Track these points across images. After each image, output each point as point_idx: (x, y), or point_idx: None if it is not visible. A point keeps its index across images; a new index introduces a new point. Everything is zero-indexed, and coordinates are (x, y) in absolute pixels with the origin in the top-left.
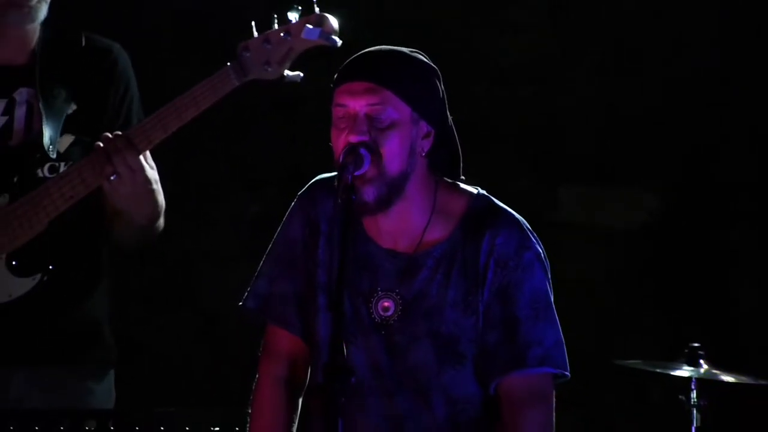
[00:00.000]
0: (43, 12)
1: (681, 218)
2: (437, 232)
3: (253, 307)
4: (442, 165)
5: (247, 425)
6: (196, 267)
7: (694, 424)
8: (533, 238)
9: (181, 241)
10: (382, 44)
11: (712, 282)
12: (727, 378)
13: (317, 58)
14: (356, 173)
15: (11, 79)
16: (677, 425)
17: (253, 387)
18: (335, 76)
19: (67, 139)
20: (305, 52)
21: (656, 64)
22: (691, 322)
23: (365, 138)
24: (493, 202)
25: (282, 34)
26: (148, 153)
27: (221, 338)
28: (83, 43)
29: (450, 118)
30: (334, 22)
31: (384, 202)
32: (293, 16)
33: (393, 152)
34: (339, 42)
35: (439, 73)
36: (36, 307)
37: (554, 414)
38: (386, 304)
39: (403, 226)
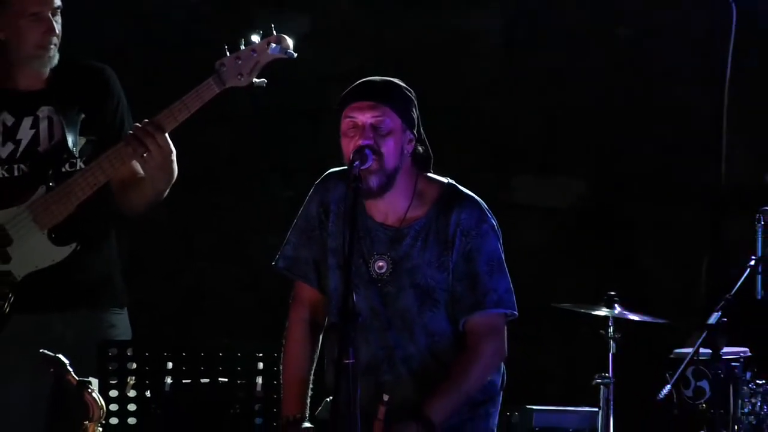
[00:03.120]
0: (56, 57)
1: (600, 199)
2: (417, 211)
3: (282, 266)
4: (418, 162)
5: (282, 353)
6: (244, 234)
7: (611, 351)
8: (489, 215)
9: (233, 215)
10: (376, 75)
11: (623, 245)
12: (634, 317)
13: (336, 83)
14: (362, 168)
15: (34, 101)
16: (599, 353)
17: (286, 326)
18: (342, 98)
19: (81, 140)
20: (269, 64)
21: (580, 84)
22: (608, 275)
23: (370, 141)
24: (459, 188)
25: (250, 52)
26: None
27: (263, 288)
28: (81, 67)
29: (421, 127)
30: (289, 40)
31: (384, 188)
32: (256, 39)
33: (390, 152)
34: (294, 55)
35: (415, 96)
36: (71, 267)
37: (506, 343)
38: (381, 263)
39: (392, 206)
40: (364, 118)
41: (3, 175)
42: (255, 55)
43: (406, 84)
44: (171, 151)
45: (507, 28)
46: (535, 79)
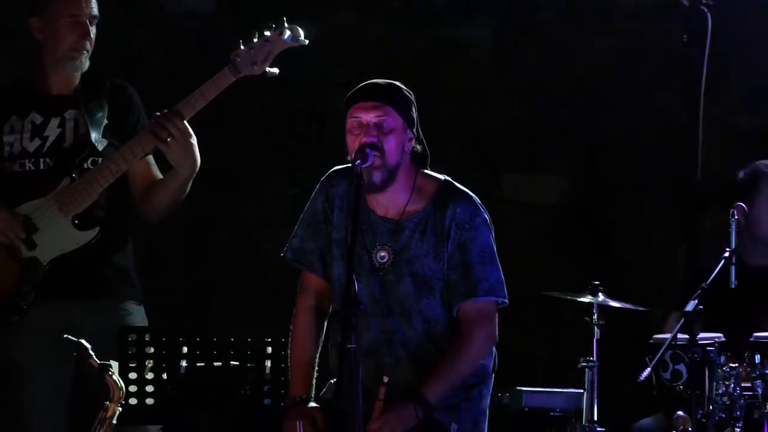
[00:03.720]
0: (87, 64)
1: (583, 194)
2: (416, 205)
3: (290, 257)
4: (417, 159)
5: (289, 339)
6: (254, 229)
7: (595, 337)
8: (482, 209)
9: (244, 210)
10: (378, 77)
11: (605, 237)
12: (616, 304)
13: (340, 89)
14: (363, 165)
15: (63, 104)
16: (584, 338)
17: (293, 313)
18: (347, 99)
19: (104, 143)
20: (281, 53)
21: (563, 90)
22: (591, 265)
23: (374, 139)
24: (455, 184)
25: (263, 42)
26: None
27: (271, 278)
28: (108, 83)
29: (419, 128)
30: (300, 29)
31: (386, 183)
32: (268, 32)
33: (392, 149)
34: (306, 42)
35: (414, 97)
36: (91, 253)
37: (497, 328)
38: (382, 254)
39: (393, 200)
40: (369, 117)
41: (30, 168)
42: (268, 44)
43: (405, 87)
44: (191, 135)
45: (495, 39)
46: (522, 85)
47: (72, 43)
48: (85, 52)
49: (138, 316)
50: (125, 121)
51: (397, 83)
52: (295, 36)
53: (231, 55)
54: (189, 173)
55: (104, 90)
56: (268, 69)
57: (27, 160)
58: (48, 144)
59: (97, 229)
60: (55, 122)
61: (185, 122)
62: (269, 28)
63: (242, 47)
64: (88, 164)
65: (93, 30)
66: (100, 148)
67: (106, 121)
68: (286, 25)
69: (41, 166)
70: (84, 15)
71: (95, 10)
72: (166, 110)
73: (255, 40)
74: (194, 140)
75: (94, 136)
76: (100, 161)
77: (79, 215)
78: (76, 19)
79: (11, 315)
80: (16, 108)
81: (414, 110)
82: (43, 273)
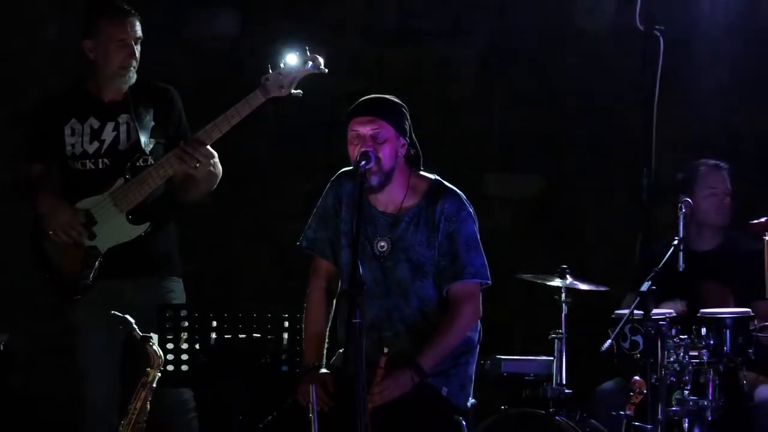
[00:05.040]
0: (134, 77)
1: (555, 191)
2: (410, 201)
3: (305, 246)
4: (411, 161)
5: (303, 314)
6: (272, 220)
7: (564, 313)
8: (468, 204)
9: (265, 204)
10: (377, 92)
11: (573, 228)
12: (582, 285)
13: (345, 101)
14: (366, 167)
15: (116, 109)
16: (554, 314)
17: (307, 293)
18: (347, 114)
19: (151, 142)
20: (304, 78)
21: (539, 101)
22: (561, 252)
23: (370, 149)
24: (444, 183)
25: (289, 68)
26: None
27: (288, 263)
28: (152, 87)
29: (413, 134)
30: (320, 58)
31: (383, 185)
32: (294, 57)
33: (386, 156)
34: (326, 70)
35: (407, 109)
36: (142, 242)
37: (481, 306)
38: (382, 243)
39: (391, 198)
40: (365, 130)
41: (90, 167)
42: (293, 71)
43: (400, 100)
44: (213, 156)
45: (481, 56)
46: (504, 97)
47: (120, 62)
48: (131, 69)
49: (177, 292)
50: (169, 120)
51: (391, 97)
52: (315, 65)
53: (261, 78)
54: (211, 186)
55: (149, 94)
56: (293, 91)
57: (87, 161)
58: (105, 146)
59: (148, 224)
60: (110, 126)
61: (207, 147)
62: (295, 56)
63: (271, 72)
64: (139, 163)
65: (138, 48)
66: (149, 148)
67: (153, 123)
68: (308, 54)
69: (99, 166)
70: (130, 38)
71: (139, 32)
72: (192, 137)
73: (282, 66)
74: (216, 159)
75: (143, 139)
76: (150, 160)
77: (132, 211)
78: (123, 42)
79: (75, 293)
80: (76, 112)
81: (407, 120)
82: (101, 258)
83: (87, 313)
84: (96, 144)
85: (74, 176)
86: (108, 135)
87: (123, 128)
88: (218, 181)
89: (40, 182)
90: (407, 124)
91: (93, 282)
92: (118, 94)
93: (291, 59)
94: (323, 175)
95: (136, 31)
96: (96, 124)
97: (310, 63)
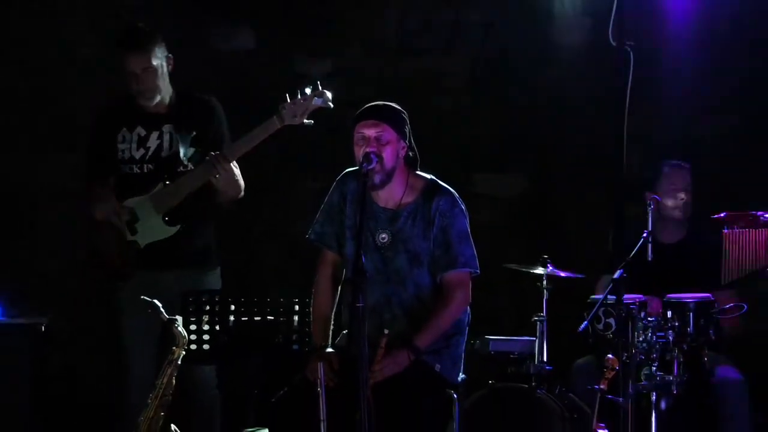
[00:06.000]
0: (163, 89)
1: (538, 190)
2: (409, 198)
3: (313, 238)
4: (409, 162)
5: (312, 299)
6: (286, 216)
7: (545, 298)
8: (460, 201)
9: (278, 201)
10: (379, 100)
11: (553, 222)
12: (562, 274)
13: (349, 108)
14: (369, 167)
15: (160, 120)
16: (536, 299)
17: (315, 280)
18: (353, 118)
19: (191, 150)
20: (315, 110)
21: (523, 109)
22: (542, 244)
23: (374, 150)
24: (438, 182)
25: (302, 100)
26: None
27: (298, 253)
28: (195, 97)
29: (411, 138)
30: (328, 94)
31: (384, 183)
32: (308, 90)
33: (388, 157)
34: (332, 105)
35: (407, 115)
36: (178, 239)
37: (470, 292)
38: (383, 235)
39: (391, 195)
40: (369, 132)
41: (136, 171)
42: (305, 102)
43: (400, 107)
44: (232, 170)
45: (471, 69)
46: (491, 105)
47: (132, 88)
48: (144, 94)
49: (213, 281)
50: (209, 128)
51: (393, 104)
52: (324, 100)
53: (279, 106)
54: (234, 195)
55: (190, 105)
56: (305, 120)
57: (134, 165)
58: (150, 153)
59: (179, 226)
60: (155, 135)
61: (229, 164)
62: (309, 87)
63: (288, 101)
64: (179, 169)
65: (146, 77)
66: (188, 156)
67: (194, 132)
68: (319, 89)
69: (144, 170)
70: (137, 69)
71: (146, 62)
72: (218, 152)
73: (298, 97)
74: (237, 171)
75: (182, 150)
76: (189, 166)
77: (169, 213)
78: (131, 72)
79: (118, 281)
80: (126, 122)
81: (407, 125)
82: (141, 252)
83: (130, 299)
84: (142, 150)
85: (124, 178)
86: (152, 143)
87: (166, 137)
88: (242, 191)
89: (98, 186)
90: (407, 129)
91: (135, 272)
92: (162, 107)
93: (306, 92)
94: (330, 175)
95: (140, 62)
96: (143, 132)
97: (320, 99)
